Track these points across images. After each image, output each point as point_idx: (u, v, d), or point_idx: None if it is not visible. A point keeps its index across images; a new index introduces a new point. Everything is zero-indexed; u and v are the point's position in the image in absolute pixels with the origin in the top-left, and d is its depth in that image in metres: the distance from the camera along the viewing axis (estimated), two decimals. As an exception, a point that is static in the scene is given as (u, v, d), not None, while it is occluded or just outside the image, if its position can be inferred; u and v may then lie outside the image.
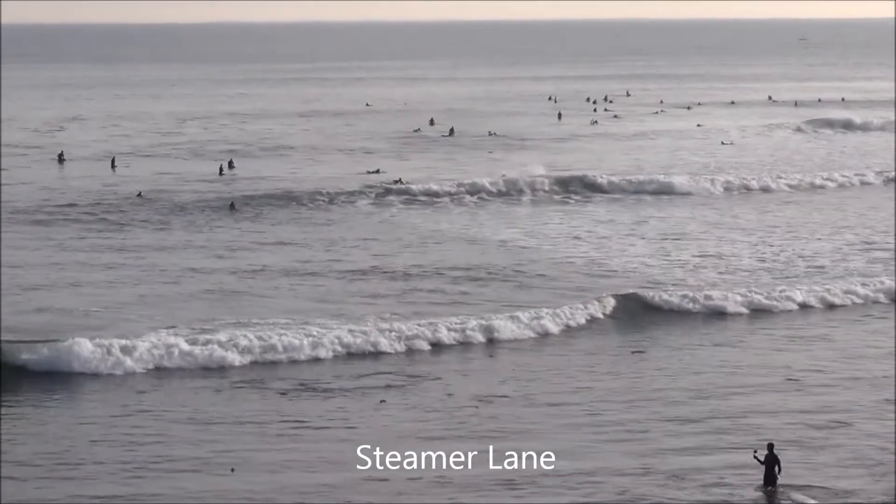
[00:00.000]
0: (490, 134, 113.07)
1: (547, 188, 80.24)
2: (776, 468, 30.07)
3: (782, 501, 29.47)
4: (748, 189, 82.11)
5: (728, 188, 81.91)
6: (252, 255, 59.09)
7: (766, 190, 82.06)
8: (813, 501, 29.34)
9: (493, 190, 79.13)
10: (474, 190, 78.67)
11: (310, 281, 53.15)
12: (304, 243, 62.41)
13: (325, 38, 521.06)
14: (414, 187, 78.83)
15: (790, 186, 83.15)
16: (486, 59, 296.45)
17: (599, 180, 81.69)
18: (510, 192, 79.18)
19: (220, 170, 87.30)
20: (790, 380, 39.36)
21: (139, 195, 76.00)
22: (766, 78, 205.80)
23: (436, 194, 77.80)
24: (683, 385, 38.74)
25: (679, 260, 58.30)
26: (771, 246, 61.35)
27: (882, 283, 52.29)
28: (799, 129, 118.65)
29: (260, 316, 46.04)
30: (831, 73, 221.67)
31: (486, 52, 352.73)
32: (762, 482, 30.08)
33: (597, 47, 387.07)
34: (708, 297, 49.32)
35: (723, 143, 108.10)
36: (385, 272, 54.72)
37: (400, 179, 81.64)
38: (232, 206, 72.96)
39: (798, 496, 29.63)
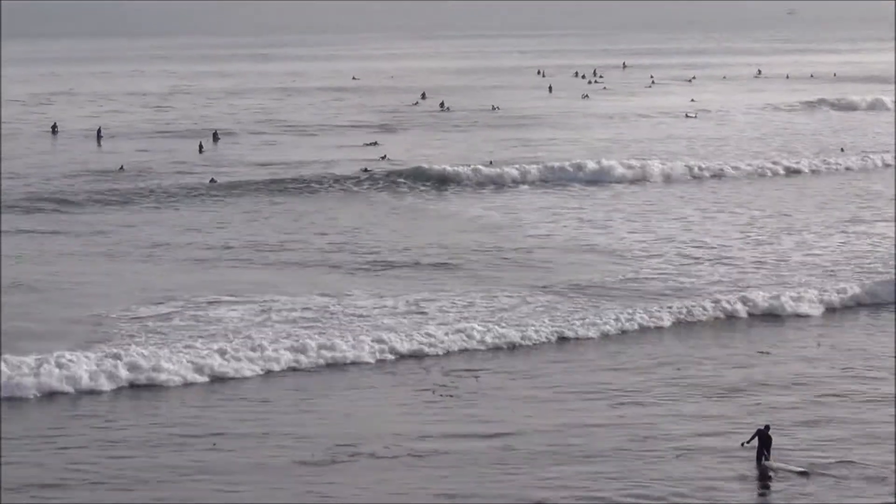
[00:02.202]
0: (493, 108, 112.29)
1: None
2: (767, 449, 29.83)
3: (769, 472, 29.37)
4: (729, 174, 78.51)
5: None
6: (231, 232, 57.88)
7: (761, 174, 78.33)
8: (797, 468, 29.33)
9: (492, 171, 74.59)
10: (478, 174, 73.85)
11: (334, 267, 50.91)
12: (300, 223, 60.75)
13: (301, 12, 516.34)
14: (401, 167, 76.04)
15: (784, 168, 79.90)
16: (470, 33, 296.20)
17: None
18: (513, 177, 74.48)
19: (200, 147, 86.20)
20: (762, 352, 39.19)
21: (121, 169, 75.76)
22: (755, 52, 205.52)
23: (433, 174, 73.39)
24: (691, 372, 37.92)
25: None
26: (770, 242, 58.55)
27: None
28: (786, 105, 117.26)
29: (243, 294, 45.05)
30: (822, 48, 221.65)
31: (470, 26, 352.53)
32: (755, 460, 29.91)
33: (583, 22, 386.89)
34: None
35: (687, 115, 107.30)
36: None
37: (385, 156, 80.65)
38: (212, 181, 71.86)
39: (780, 464, 29.53)
